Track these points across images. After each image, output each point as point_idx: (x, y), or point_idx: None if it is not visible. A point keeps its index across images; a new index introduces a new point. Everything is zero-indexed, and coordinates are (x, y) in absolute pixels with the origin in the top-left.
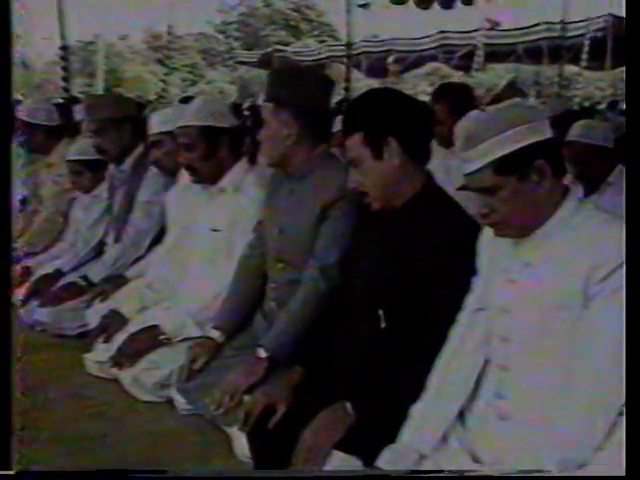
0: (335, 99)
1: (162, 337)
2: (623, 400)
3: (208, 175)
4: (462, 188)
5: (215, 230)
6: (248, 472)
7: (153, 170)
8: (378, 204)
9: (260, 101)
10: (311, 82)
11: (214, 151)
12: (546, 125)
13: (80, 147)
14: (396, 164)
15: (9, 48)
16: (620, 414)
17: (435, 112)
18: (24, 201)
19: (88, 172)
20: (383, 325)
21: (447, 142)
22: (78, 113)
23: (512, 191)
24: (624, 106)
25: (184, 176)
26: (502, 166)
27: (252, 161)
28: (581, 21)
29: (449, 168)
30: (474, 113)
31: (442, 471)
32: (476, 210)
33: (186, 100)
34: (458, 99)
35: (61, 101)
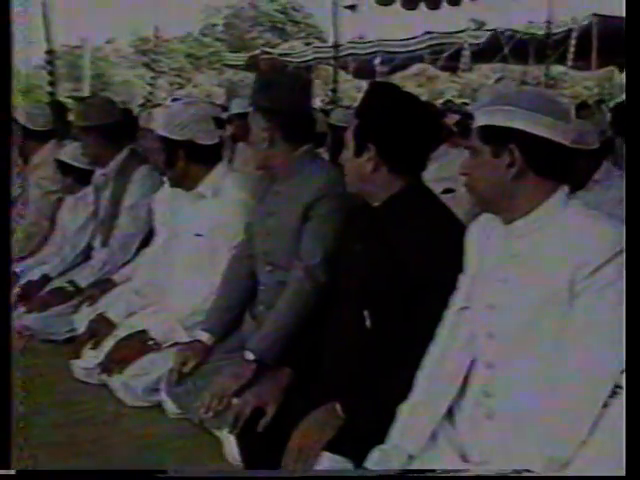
0: (322, 100)
1: (151, 342)
2: (607, 395)
3: (176, 182)
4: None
5: (198, 235)
6: (245, 472)
7: (139, 173)
8: (356, 199)
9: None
10: (282, 85)
11: (173, 160)
12: (547, 122)
13: (72, 150)
14: (369, 168)
15: (9, 51)
16: (604, 406)
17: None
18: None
19: (74, 174)
20: (368, 324)
21: None
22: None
23: (485, 161)
24: (610, 105)
25: None
26: (484, 133)
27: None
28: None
29: None
30: (507, 82)
31: (434, 471)
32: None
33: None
34: None
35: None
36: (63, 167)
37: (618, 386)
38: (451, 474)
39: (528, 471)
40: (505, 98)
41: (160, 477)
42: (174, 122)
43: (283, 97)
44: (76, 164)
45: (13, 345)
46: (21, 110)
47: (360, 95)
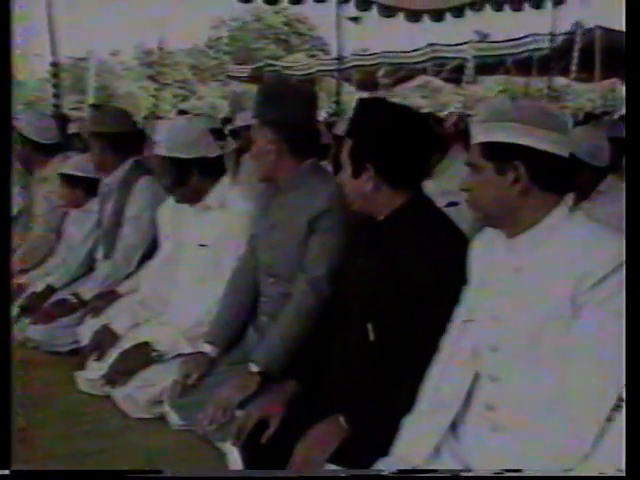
0: (325, 112)
1: (154, 354)
2: (610, 409)
3: (185, 198)
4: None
5: (202, 245)
6: (240, 473)
7: (141, 184)
8: (360, 213)
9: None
10: (289, 98)
11: (185, 179)
12: (550, 136)
13: (75, 162)
14: (369, 188)
15: (8, 62)
16: (608, 420)
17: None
18: (18, 217)
19: (80, 187)
20: (372, 337)
21: None
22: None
23: (488, 178)
24: (615, 116)
25: None
26: (486, 150)
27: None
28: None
29: None
30: (504, 97)
31: (435, 471)
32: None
33: (182, 113)
34: None
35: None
36: (69, 180)
37: (622, 399)
38: (451, 474)
39: (519, 471)
40: (503, 113)
41: (155, 477)
42: (178, 141)
43: (290, 110)
44: (81, 174)
45: (13, 355)
46: (28, 123)
47: None
